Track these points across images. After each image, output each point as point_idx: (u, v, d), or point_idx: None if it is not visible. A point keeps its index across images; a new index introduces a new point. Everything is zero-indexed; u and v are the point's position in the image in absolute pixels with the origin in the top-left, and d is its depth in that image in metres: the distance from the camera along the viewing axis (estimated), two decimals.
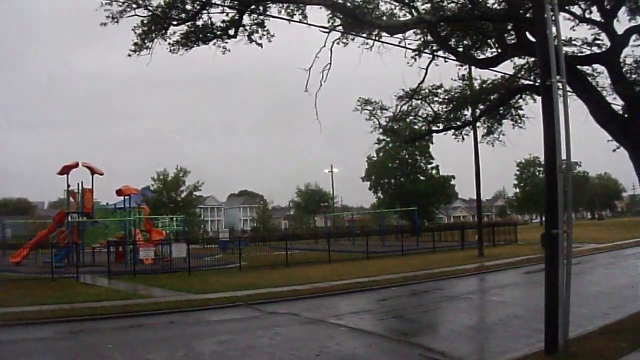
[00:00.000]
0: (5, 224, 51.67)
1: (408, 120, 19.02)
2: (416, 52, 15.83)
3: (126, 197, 35.24)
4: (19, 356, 11.20)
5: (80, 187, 32.50)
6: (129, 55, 14.22)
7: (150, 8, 13.47)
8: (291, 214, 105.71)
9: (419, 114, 18.31)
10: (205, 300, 17.76)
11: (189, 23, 14.27)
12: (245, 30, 14.65)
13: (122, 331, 13.77)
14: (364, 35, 14.99)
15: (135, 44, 14.13)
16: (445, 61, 16.06)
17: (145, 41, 14.13)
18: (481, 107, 17.97)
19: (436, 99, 17.87)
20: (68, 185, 32.37)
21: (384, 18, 14.66)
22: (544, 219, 42.95)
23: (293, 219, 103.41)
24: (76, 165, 32.54)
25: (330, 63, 15.06)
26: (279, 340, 12.08)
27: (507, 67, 16.63)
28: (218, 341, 12.25)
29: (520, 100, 17.29)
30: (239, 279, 23.27)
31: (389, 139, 52.00)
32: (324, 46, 14.68)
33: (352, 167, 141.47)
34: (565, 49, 13.07)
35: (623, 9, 13.68)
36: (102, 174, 33.43)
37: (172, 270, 26.65)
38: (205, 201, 74.25)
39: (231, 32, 14.48)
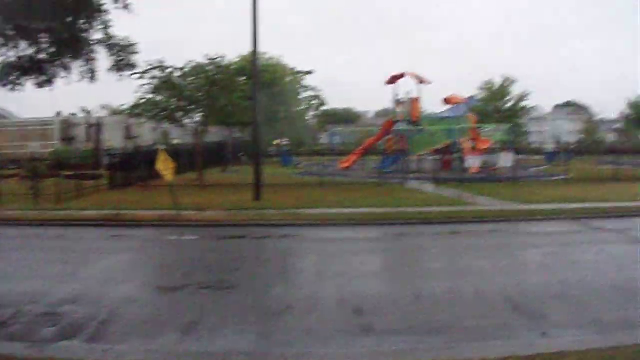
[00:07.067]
0: (335, 132, 54.80)
1: None
2: None
3: (453, 106, 35.09)
4: (347, 252, 12.43)
5: (407, 96, 33.41)
6: None
7: None
8: (620, 127, 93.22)
9: None
10: (529, 211, 17.09)
11: None
12: None
13: (444, 236, 14.09)
14: None
15: None
16: None
17: None
18: None
19: None
20: (396, 95, 33.90)
21: None
22: None
23: (622, 133, 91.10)
24: (403, 75, 33.42)
25: None
26: (604, 257, 11.18)
27: None
28: (542, 253, 11.72)
29: None
30: (564, 191, 21.92)
31: None
32: None
33: None
34: None
35: None
36: (428, 83, 33.40)
37: (498, 180, 26.38)
38: (530, 111, 70.15)
39: None
